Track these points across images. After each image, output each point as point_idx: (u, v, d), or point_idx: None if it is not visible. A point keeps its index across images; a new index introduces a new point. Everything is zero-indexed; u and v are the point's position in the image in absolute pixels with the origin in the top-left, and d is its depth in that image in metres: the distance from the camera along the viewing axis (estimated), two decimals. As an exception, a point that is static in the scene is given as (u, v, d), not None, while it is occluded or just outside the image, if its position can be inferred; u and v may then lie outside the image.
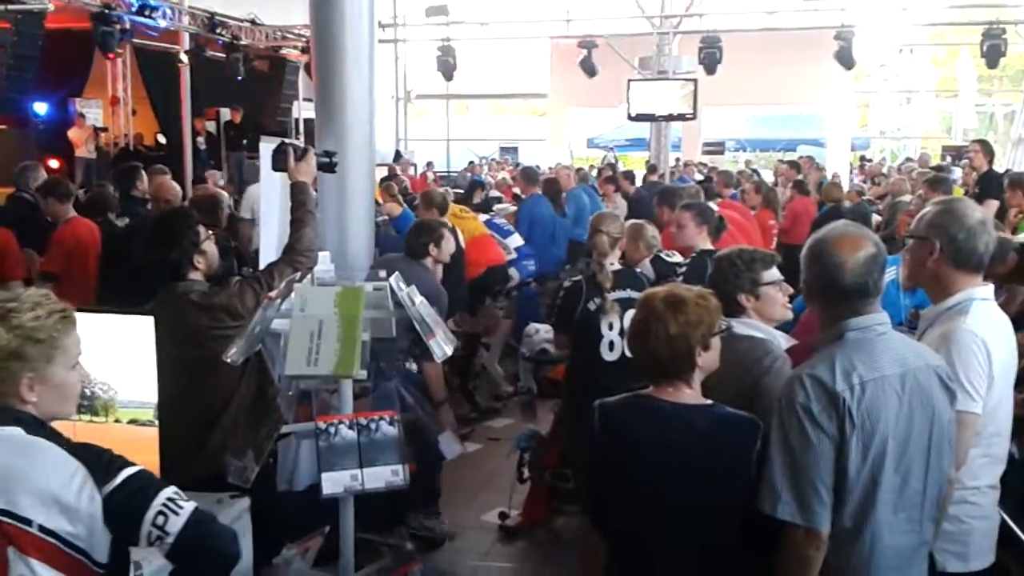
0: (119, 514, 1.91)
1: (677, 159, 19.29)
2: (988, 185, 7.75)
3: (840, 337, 2.31)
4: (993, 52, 16.50)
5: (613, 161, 18.58)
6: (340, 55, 5.41)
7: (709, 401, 2.41)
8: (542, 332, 5.50)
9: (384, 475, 2.90)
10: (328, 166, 3.88)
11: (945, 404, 2.34)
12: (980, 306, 2.59)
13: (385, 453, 2.90)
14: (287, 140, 3.91)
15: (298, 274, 3.37)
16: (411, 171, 16.84)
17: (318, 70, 5.59)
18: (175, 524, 1.90)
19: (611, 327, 4.27)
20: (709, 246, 4.81)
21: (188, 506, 1.94)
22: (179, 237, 3.42)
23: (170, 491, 1.95)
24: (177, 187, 6.74)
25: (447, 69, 17.93)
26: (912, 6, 19.55)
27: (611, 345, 4.29)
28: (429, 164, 19.21)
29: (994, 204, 7.15)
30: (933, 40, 30.08)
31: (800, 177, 12.00)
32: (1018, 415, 3.58)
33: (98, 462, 1.94)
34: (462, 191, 12.49)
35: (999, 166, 15.24)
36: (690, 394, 2.40)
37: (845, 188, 13.60)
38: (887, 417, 2.23)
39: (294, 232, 3.59)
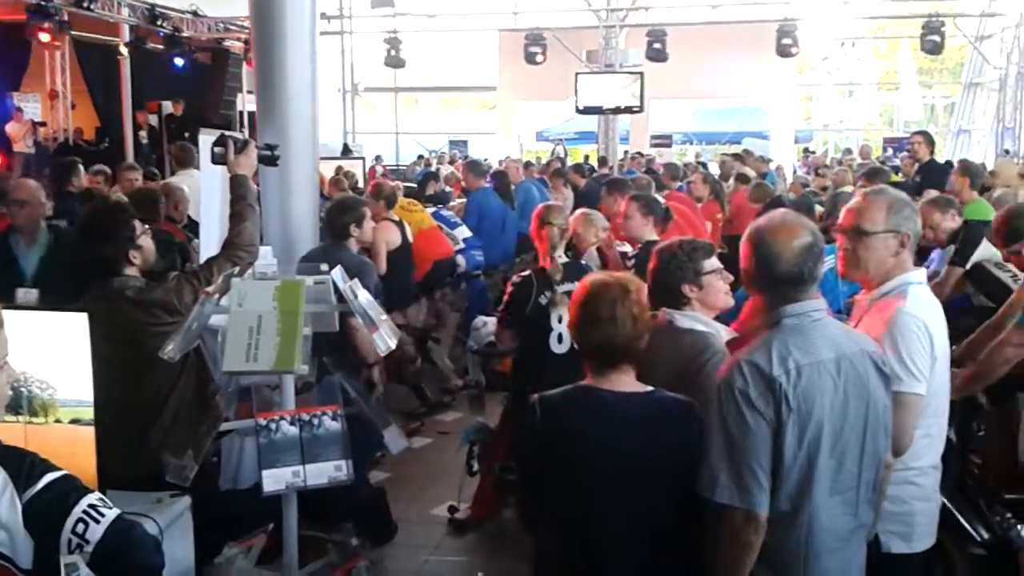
0: (39, 521, 1.84)
1: (626, 152, 19.40)
2: (929, 174, 7.92)
3: (777, 323, 2.35)
4: (932, 44, 16.90)
5: (562, 154, 18.59)
6: (281, 46, 5.34)
7: (649, 388, 2.44)
8: (490, 325, 5.47)
9: (327, 471, 2.87)
10: (269, 159, 3.82)
11: (880, 389, 2.37)
12: (916, 290, 2.65)
13: (328, 449, 2.87)
14: (227, 133, 3.84)
15: (236, 268, 3.31)
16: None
17: (258, 62, 5.52)
18: (95, 532, 1.83)
19: (560, 320, 4.27)
20: (656, 237, 4.84)
21: (110, 513, 1.87)
22: (113, 232, 3.35)
23: (93, 498, 1.88)
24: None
25: (394, 62, 17.81)
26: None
27: (560, 338, 4.29)
28: (377, 158, 19.03)
29: (933, 193, 7.29)
30: (874, 33, 30.66)
31: (745, 170, 12.16)
32: (953, 398, 3.69)
33: (20, 467, 1.86)
34: (413, 185, 12.41)
35: (940, 157, 15.60)
36: (630, 381, 2.42)
37: (789, 180, 13.82)
38: (822, 401, 2.26)
39: (234, 226, 3.53)
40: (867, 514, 2.43)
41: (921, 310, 2.60)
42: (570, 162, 16.19)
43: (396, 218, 6.72)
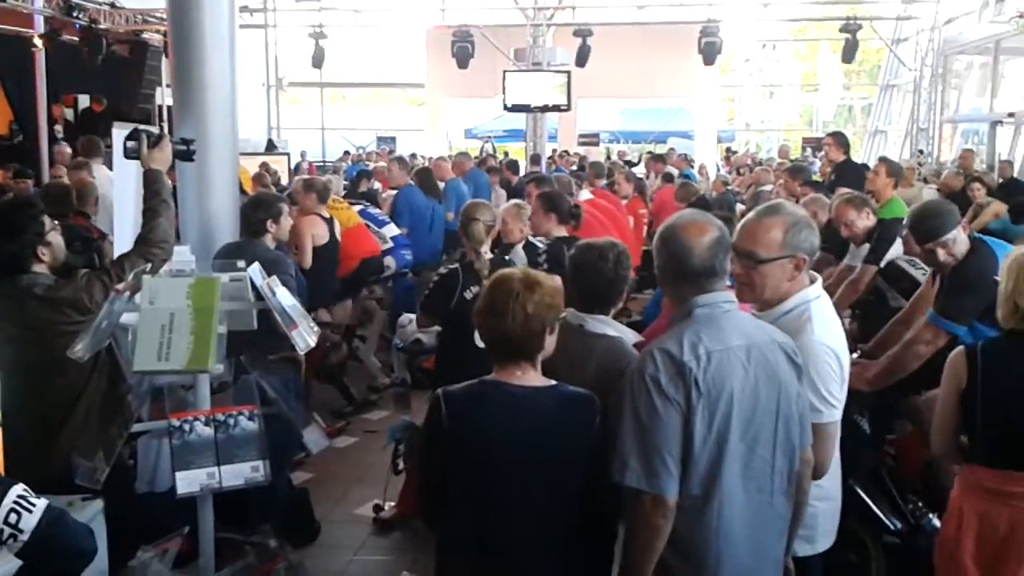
0: None
1: (554, 150, 19.50)
2: (843, 175, 8.12)
3: (689, 314, 2.40)
4: (849, 47, 17.40)
5: (491, 151, 18.60)
6: (199, 39, 5.21)
7: (553, 381, 2.46)
8: (416, 322, 5.44)
9: (243, 472, 2.82)
10: (185, 154, 3.73)
11: (791, 378, 2.42)
12: (818, 307, 2.67)
13: (244, 449, 2.81)
14: (140, 127, 3.74)
15: (149, 266, 3.22)
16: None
17: (175, 54, 5.36)
18: (29, 522, 1.88)
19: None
20: (564, 233, 4.89)
21: (40, 503, 1.92)
22: (20, 228, 3.23)
23: (19, 488, 1.92)
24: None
25: (319, 56, 17.58)
26: (774, 2, 20.37)
27: (484, 333, 4.29)
28: (302, 154, 18.72)
29: (848, 191, 7.48)
30: (795, 36, 31.43)
31: (669, 168, 12.45)
32: (866, 391, 3.80)
33: None
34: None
35: (859, 157, 16.04)
36: (535, 375, 2.45)
37: (712, 178, 14.10)
38: (732, 386, 2.31)
39: (147, 223, 3.44)
40: (784, 507, 2.46)
41: (826, 332, 2.62)
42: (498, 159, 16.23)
43: (327, 214, 6.63)
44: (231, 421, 2.83)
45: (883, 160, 6.37)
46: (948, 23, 19.07)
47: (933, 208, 4.02)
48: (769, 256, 2.61)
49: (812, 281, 2.73)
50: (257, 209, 4.87)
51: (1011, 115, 15.62)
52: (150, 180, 3.51)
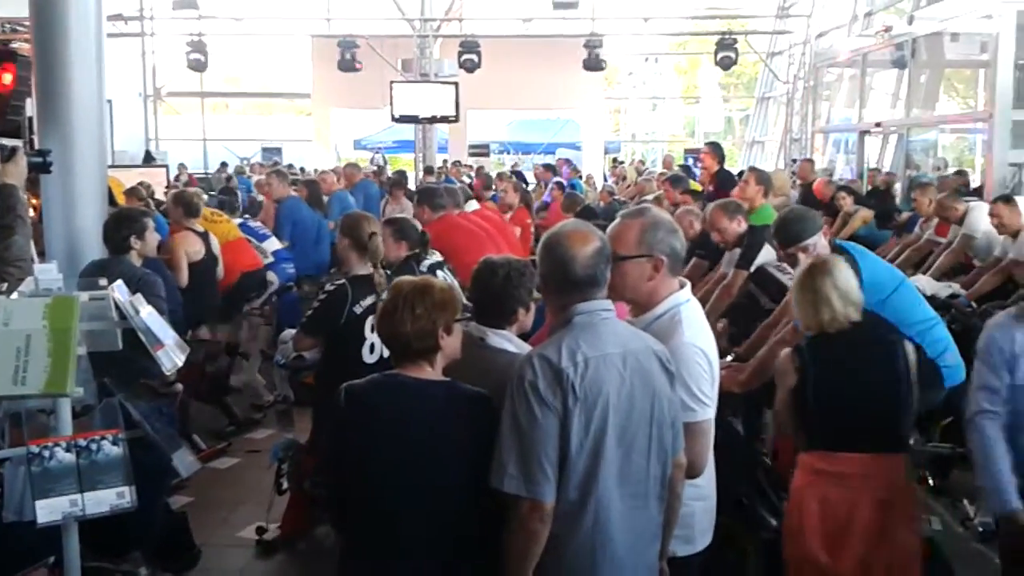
0: None
1: (445, 160, 19.50)
2: (721, 183, 8.40)
3: (569, 322, 2.45)
4: (726, 60, 18.04)
5: (381, 163, 18.46)
6: (63, 48, 5.06)
7: (449, 379, 2.54)
8: (293, 343, 5.33)
9: (108, 499, 2.70)
10: (41, 166, 3.57)
11: (665, 384, 2.48)
12: (687, 311, 2.73)
13: (109, 475, 2.69)
14: (-6, 140, 3.56)
15: (5, 285, 3.06)
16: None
17: (39, 65, 5.20)
18: None
19: (373, 329, 4.19)
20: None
21: None
22: None
23: None
24: None
25: (198, 66, 17.12)
26: (654, 17, 20.95)
27: (372, 347, 4.23)
28: (181, 166, 18.09)
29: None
30: (676, 50, 32.36)
31: (559, 178, 12.63)
32: (738, 392, 3.93)
33: None
34: (215, 193, 11.96)
35: (738, 167, 16.62)
36: (431, 372, 2.53)
37: (599, 188, 14.37)
38: (609, 392, 2.35)
39: (2, 240, 3.26)
40: (658, 510, 2.52)
41: (696, 334, 2.68)
42: (390, 171, 16.13)
43: (200, 228, 6.44)
44: (94, 446, 2.70)
45: (752, 169, 6.63)
46: (820, 37, 19.94)
47: (796, 214, 4.21)
48: (627, 254, 2.67)
49: (682, 286, 2.80)
50: (120, 225, 4.71)
51: (878, 125, 16.44)
52: (4, 195, 3.34)
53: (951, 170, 13.91)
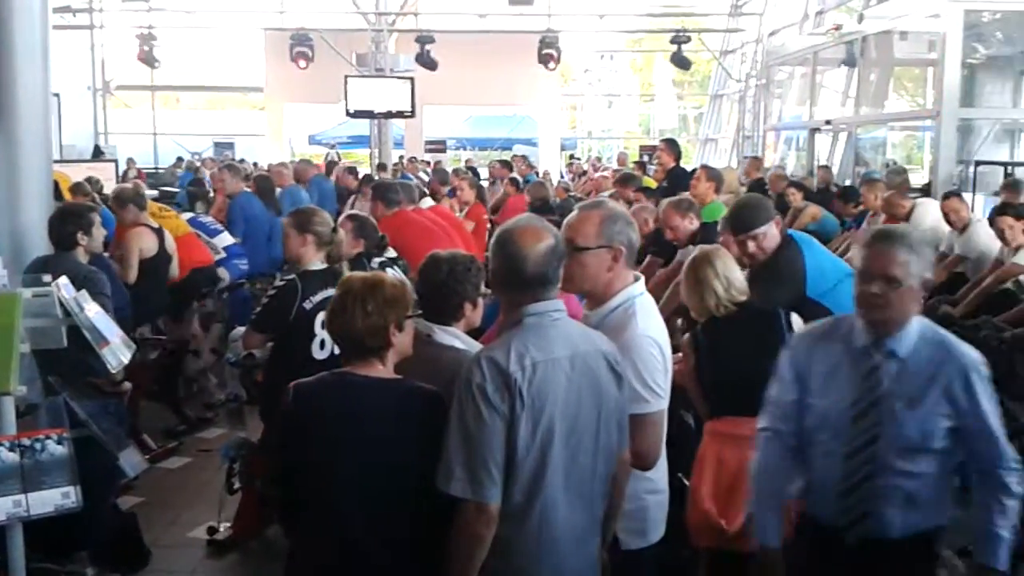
0: None
1: (400, 156, 19.40)
2: (676, 180, 8.46)
3: (519, 322, 2.42)
4: (680, 58, 18.19)
5: (336, 159, 18.30)
6: (6, 41, 4.92)
7: (400, 376, 2.52)
8: (243, 341, 5.26)
9: (53, 499, 2.65)
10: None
11: (612, 385, 2.48)
12: (641, 303, 2.75)
13: (53, 475, 2.65)
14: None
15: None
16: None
17: (-20, 56, 5.04)
18: None
19: (323, 325, 4.15)
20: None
21: None
22: None
23: None
24: None
25: (148, 59, 16.84)
26: (609, 14, 21.06)
27: (322, 343, 4.19)
28: (130, 160, 17.74)
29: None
30: (632, 47, 32.55)
31: (515, 175, 12.60)
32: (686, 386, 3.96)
33: None
34: (172, 190, 11.77)
35: (692, 164, 16.78)
36: (383, 370, 2.51)
37: (555, 184, 14.40)
38: (556, 396, 2.35)
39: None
40: (601, 507, 2.52)
41: (649, 325, 2.70)
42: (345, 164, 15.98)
43: (155, 224, 6.33)
44: (38, 446, 2.65)
45: (704, 167, 6.69)
46: (772, 35, 20.18)
47: (748, 202, 4.26)
48: (586, 245, 2.68)
49: (636, 279, 2.82)
50: (65, 221, 4.61)
51: (828, 122, 16.70)
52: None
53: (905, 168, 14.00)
